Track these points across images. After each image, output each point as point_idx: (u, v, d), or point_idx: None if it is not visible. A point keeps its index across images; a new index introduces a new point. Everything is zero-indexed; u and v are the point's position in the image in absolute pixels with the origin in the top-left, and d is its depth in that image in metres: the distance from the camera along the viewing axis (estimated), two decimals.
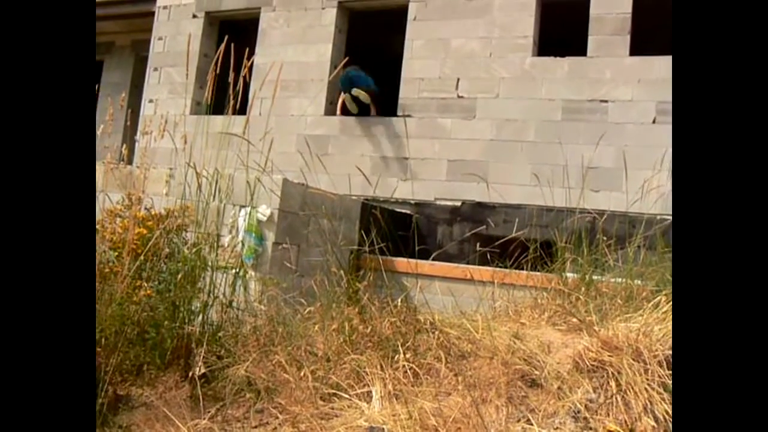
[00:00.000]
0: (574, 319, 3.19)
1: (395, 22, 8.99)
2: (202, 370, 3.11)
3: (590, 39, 7.86)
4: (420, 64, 8.72)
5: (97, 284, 3.16)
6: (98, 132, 3.79)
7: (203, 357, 3.16)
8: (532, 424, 2.39)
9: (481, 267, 5.21)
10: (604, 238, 3.95)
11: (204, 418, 2.77)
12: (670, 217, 4.92)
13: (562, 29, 8.24)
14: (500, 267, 4.46)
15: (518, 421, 2.45)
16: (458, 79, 8.47)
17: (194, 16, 10.37)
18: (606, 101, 7.64)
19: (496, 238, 4.25)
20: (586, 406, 2.40)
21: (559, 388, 2.56)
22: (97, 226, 3.54)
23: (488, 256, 4.52)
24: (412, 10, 8.85)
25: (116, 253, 3.42)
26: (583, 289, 3.66)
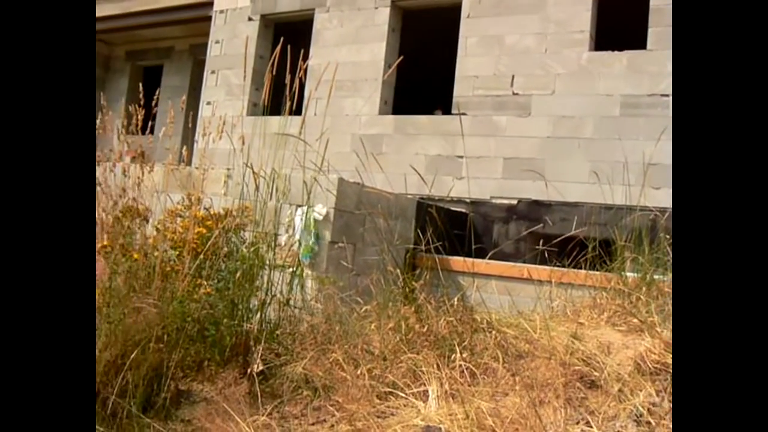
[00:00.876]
0: (635, 320, 3.11)
1: (448, 19, 8.96)
2: (260, 367, 3.15)
3: (650, 31, 7.66)
4: (474, 61, 8.66)
5: (159, 282, 3.24)
6: (160, 134, 3.89)
7: (261, 354, 3.20)
8: (591, 427, 2.34)
9: (538, 266, 5.14)
10: (666, 237, 3.85)
11: (262, 415, 2.81)
12: None
13: (619, 22, 8.06)
14: (558, 266, 4.40)
15: (577, 423, 2.40)
16: (513, 76, 8.38)
17: (250, 19, 10.53)
18: (667, 95, 7.43)
19: (553, 237, 4.19)
20: (649, 410, 2.34)
21: (619, 390, 2.51)
22: (158, 226, 3.63)
23: (545, 255, 4.46)
24: (466, 7, 8.79)
25: (177, 252, 3.50)
26: (644, 288, 3.57)
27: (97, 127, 3.79)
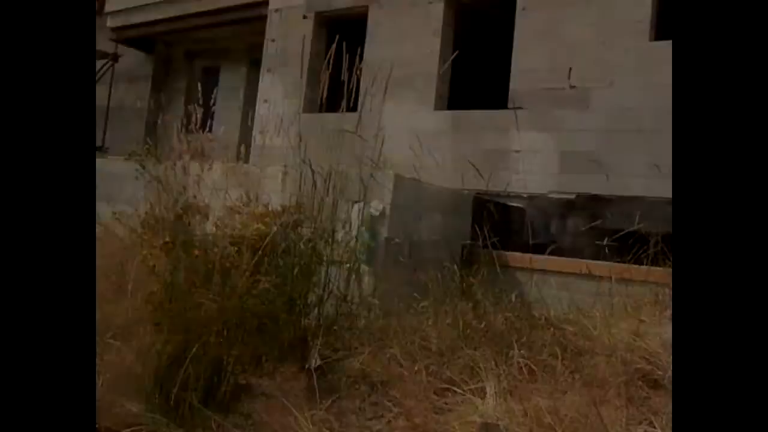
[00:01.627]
0: None
1: (503, 13, 8.85)
2: (318, 362, 3.19)
3: None
4: (530, 55, 8.53)
5: (218, 278, 3.30)
6: (218, 133, 3.97)
7: (319, 349, 3.24)
8: (655, 427, 2.29)
9: (597, 261, 5.04)
10: None
11: (320, 409, 2.84)
12: None
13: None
14: (618, 262, 4.30)
15: (640, 423, 2.36)
16: (570, 69, 8.22)
17: (304, 17, 10.61)
18: None
19: (613, 232, 4.10)
20: None
21: None
22: (218, 223, 3.69)
23: (606, 250, 4.37)
24: (521, 0, 8.67)
25: (236, 249, 3.55)
26: None
27: (158, 125, 3.89)
